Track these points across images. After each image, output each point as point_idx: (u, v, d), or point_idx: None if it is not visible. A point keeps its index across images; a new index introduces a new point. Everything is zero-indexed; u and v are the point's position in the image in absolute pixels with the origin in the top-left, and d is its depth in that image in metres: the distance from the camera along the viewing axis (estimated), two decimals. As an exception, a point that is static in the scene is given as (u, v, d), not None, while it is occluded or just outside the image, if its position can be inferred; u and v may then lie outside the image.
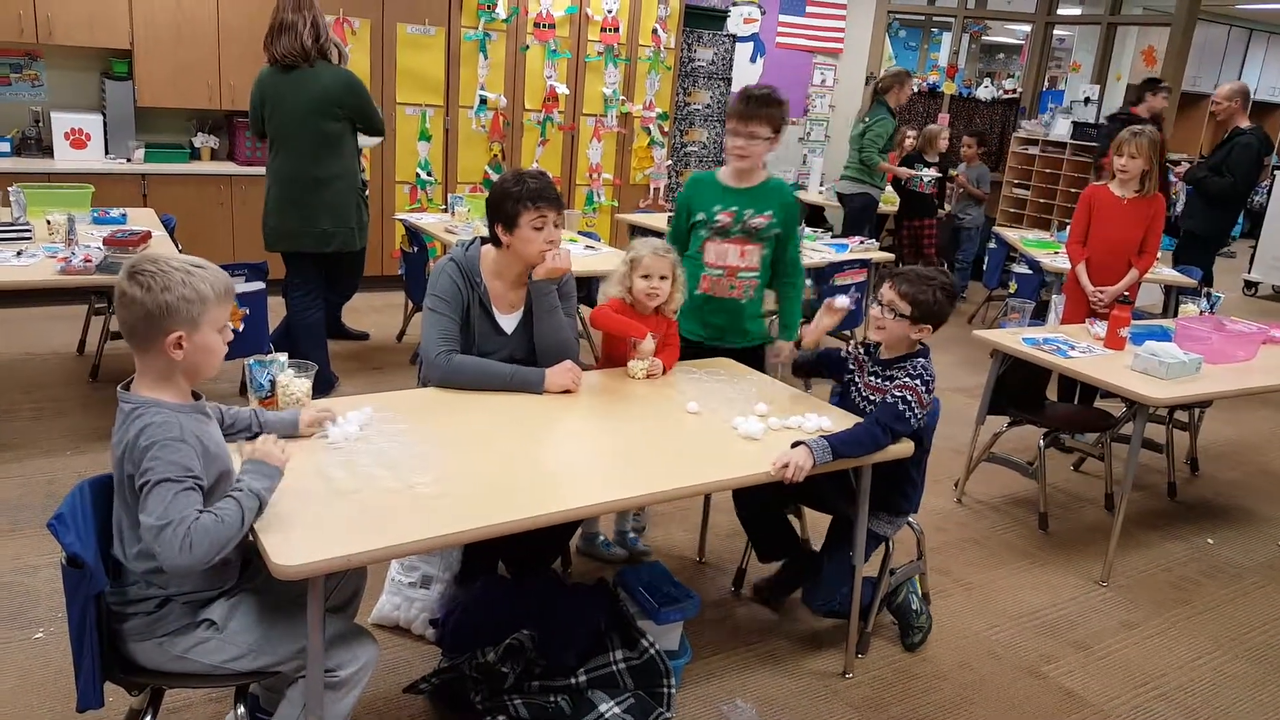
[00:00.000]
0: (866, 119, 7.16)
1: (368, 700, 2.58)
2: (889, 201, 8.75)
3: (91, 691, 1.92)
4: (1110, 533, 3.73)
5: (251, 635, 2.01)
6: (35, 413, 4.44)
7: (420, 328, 2.99)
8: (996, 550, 3.91)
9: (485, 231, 3.02)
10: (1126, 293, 4.61)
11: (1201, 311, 4.75)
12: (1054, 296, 4.50)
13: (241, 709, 2.16)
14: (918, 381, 2.77)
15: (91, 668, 1.91)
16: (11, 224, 4.34)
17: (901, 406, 2.72)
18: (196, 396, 2.01)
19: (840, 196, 7.47)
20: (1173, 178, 9.30)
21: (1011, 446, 4.48)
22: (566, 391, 2.88)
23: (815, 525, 3.55)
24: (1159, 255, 5.31)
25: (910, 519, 3.18)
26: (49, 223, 4.37)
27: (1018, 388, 4.13)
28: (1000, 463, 4.30)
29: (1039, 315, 5.06)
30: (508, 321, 3.00)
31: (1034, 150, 9.22)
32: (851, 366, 3.07)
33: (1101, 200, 4.70)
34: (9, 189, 4.58)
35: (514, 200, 2.85)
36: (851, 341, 3.16)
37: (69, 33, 5.86)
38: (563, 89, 7.43)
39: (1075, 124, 8.93)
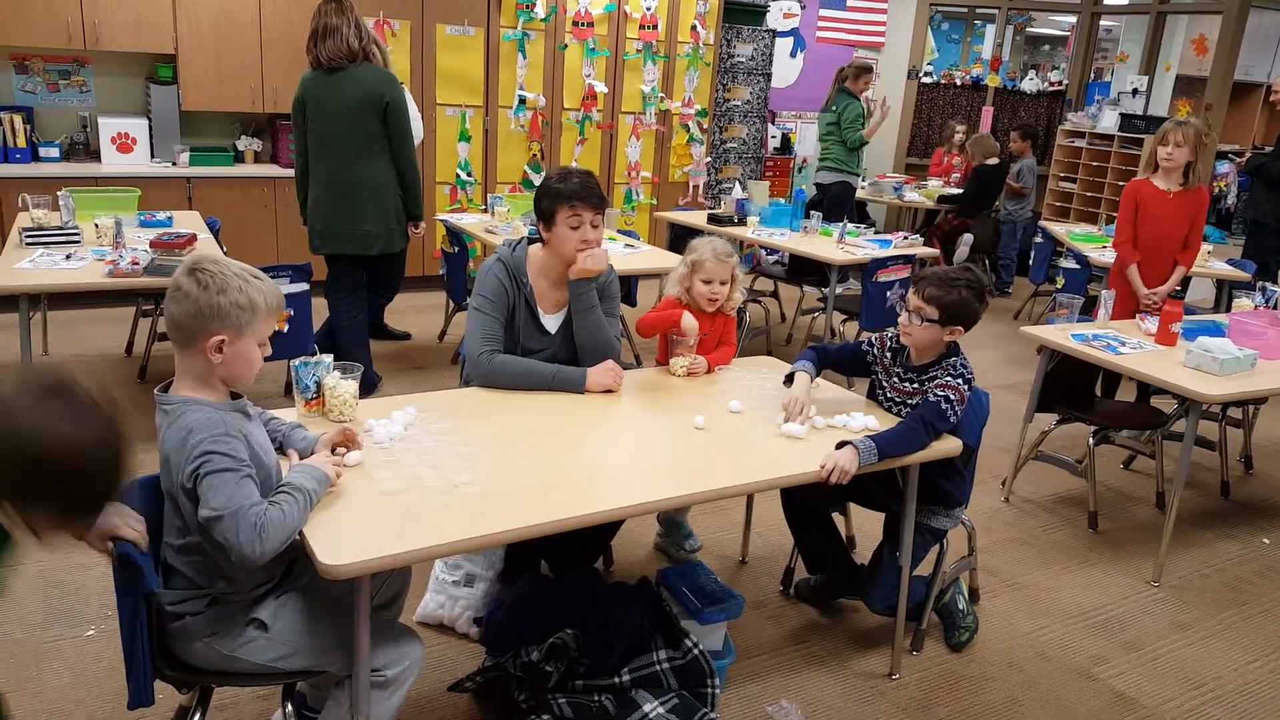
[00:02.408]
0: (834, 107, 7.33)
1: (412, 698, 2.58)
2: (930, 195, 8.67)
3: (142, 689, 1.94)
4: (1162, 532, 3.65)
5: (299, 634, 2.03)
6: (86, 413, 4.50)
7: (464, 327, 2.99)
8: (1045, 550, 3.85)
9: (524, 231, 3.02)
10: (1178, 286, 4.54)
11: (1256, 306, 4.64)
12: (1103, 292, 4.41)
13: (289, 707, 2.18)
14: (959, 380, 2.72)
15: (143, 666, 1.93)
16: (60, 228, 4.42)
17: (944, 406, 2.67)
18: (236, 397, 2.02)
19: (818, 186, 7.62)
20: (1225, 168, 9.13)
21: (1060, 444, 4.40)
22: (608, 391, 2.88)
23: (862, 526, 3.52)
24: (1210, 249, 5.21)
25: (963, 515, 3.14)
26: (97, 226, 4.44)
27: (1066, 384, 4.06)
28: (1048, 461, 4.23)
29: (1086, 311, 4.98)
30: (552, 321, 3.00)
31: (1080, 143, 9.08)
32: (876, 368, 2.99)
33: (1147, 195, 4.60)
34: (58, 193, 4.66)
35: (552, 197, 2.87)
36: (875, 336, 3.06)
37: (115, 39, 5.96)
38: (601, 87, 7.42)
39: (1123, 116, 8.78)
